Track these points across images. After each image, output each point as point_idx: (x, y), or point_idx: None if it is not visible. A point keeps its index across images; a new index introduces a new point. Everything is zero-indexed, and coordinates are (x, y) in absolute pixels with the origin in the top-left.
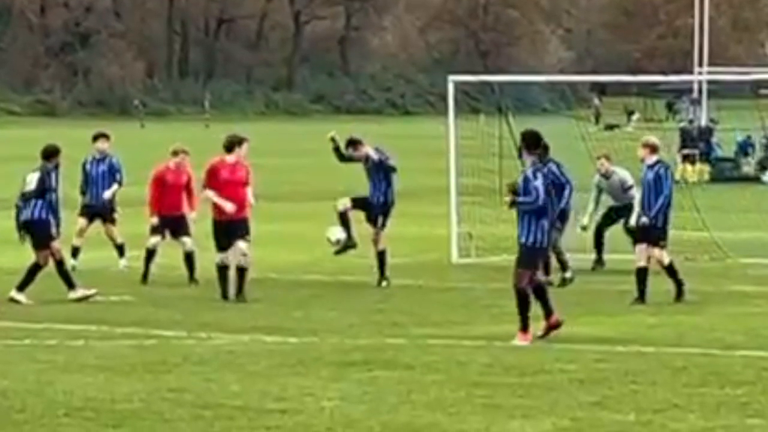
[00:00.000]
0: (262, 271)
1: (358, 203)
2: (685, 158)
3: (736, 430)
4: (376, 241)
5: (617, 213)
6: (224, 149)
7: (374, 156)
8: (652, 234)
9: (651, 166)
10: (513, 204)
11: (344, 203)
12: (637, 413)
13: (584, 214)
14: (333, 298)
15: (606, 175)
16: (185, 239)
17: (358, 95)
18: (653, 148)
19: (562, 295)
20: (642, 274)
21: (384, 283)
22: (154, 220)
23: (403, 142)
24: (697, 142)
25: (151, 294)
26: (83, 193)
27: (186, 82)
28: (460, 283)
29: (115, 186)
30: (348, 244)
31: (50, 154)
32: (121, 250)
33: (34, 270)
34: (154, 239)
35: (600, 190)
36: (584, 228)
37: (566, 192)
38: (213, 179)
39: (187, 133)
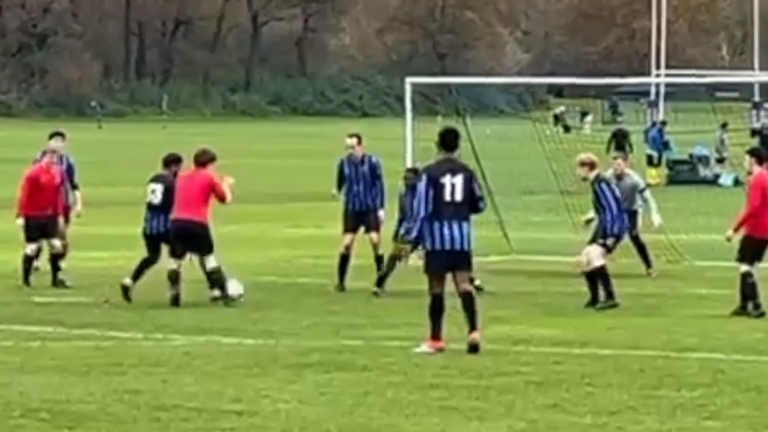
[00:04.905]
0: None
1: (351, 226)
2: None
3: None
4: (377, 246)
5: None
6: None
7: (374, 158)
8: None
9: (592, 184)
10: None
11: (349, 239)
12: (593, 415)
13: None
14: (290, 300)
15: (619, 176)
16: (54, 241)
17: (315, 96)
18: (592, 165)
19: (520, 297)
20: (597, 275)
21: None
22: (20, 221)
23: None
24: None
25: (108, 296)
26: None
27: (143, 83)
28: (418, 285)
29: (78, 194)
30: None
31: (169, 161)
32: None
33: (145, 264)
34: (34, 245)
35: None
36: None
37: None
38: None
39: (144, 134)
